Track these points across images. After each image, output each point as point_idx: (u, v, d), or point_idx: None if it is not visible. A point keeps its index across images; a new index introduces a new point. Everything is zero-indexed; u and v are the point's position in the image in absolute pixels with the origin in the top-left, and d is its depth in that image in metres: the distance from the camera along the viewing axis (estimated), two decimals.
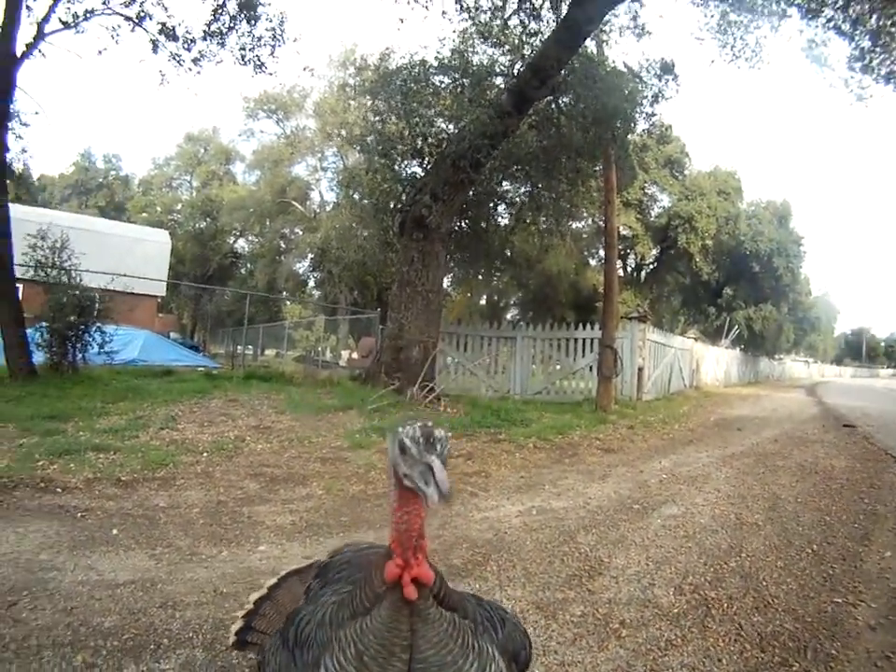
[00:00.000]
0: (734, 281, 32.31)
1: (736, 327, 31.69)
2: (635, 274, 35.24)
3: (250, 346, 24.25)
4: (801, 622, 3.12)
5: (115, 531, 4.13)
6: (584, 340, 13.38)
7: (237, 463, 6.17)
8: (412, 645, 1.16)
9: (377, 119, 12.26)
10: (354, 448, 7.02)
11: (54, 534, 4.00)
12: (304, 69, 35.73)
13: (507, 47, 12.30)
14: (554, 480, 6.25)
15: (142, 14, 11.31)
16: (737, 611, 3.22)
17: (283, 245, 39.03)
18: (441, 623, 1.19)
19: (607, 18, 11.59)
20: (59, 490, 4.91)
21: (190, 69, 11.86)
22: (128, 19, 11.28)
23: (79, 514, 4.41)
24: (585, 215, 23.16)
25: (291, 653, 1.29)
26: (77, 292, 10.47)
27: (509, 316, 33.56)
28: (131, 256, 24.08)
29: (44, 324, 10.11)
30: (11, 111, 10.12)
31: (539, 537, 4.35)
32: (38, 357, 10.15)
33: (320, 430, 7.83)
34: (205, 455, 6.33)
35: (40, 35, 10.25)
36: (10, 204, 10.17)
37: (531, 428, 8.92)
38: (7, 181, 10.61)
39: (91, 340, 10.60)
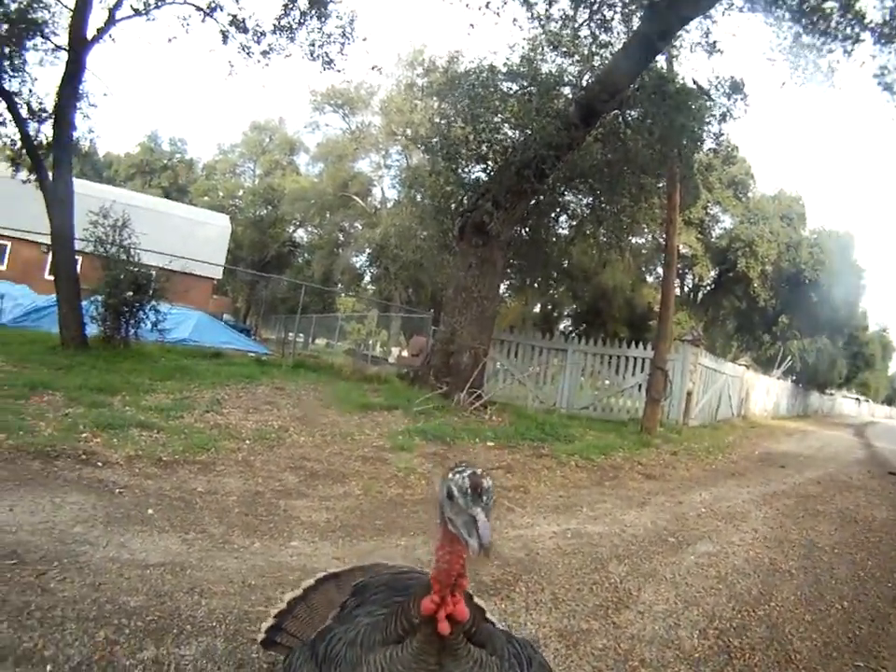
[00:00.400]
0: (790, 310, 31.46)
1: (790, 357, 30.89)
2: (691, 295, 34.61)
3: (301, 335, 24.49)
4: None
5: (150, 511, 4.19)
6: (636, 358, 13.15)
7: (278, 454, 6.21)
8: None
9: (443, 121, 12.20)
10: (396, 449, 7.01)
11: (90, 508, 4.07)
12: (373, 68, 35.81)
13: (576, 57, 12.17)
14: (593, 502, 6.16)
15: (213, 5, 11.51)
16: (758, 663, 3.12)
17: (341, 238, 39.31)
18: (468, 661, 1.20)
19: (678, 33, 11.39)
20: (100, 464, 4.99)
21: (259, 61, 11.99)
22: (199, 9, 11.51)
23: (117, 490, 4.48)
24: (646, 231, 22.82)
25: (318, 668, 1.31)
26: (135, 269, 10.71)
27: (561, 327, 33.19)
28: (190, 237, 24.52)
29: (99, 298, 10.33)
30: (80, 92, 10.39)
31: (571, 561, 4.29)
32: (91, 330, 10.39)
33: (364, 428, 7.85)
34: (247, 442, 6.38)
35: (111, 21, 10.49)
36: (74, 180, 10.43)
37: (574, 445, 8.78)
38: (73, 157, 10.88)
39: (144, 317, 10.80)
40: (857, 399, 53.80)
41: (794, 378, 32.49)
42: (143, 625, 2.71)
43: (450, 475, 1.21)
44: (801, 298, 30.24)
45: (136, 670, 2.41)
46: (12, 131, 10.50)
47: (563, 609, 3.48)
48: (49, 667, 2.34)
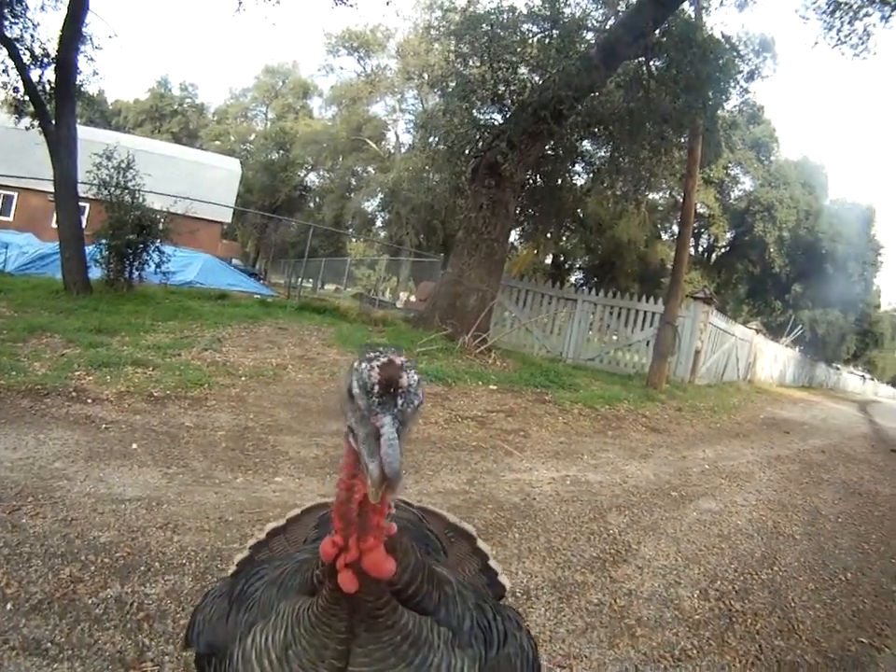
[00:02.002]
0: (804, 279, 31.25)
1: (800, 326, 30.58)
2: (705, 255, 34.37)
3: (310, 279, 24.36)
4: (822, 656, 2.84)
5: (134, 445, 4.11)
6: (645, 313, 12.91)
7: (273, 390, 6.13)
8: (350, 653, 0.84)
9: (459, 60, 11.84)
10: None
11: (73, 443, 4.00)
12: (387, 3, 35.36)
13: (601, 1, 11.75)
14: (594, 451, 6.06)
15: None
16: (760, 630, 2.97)
17: (353, 183, 39.11)
18: (393, 633, 0.85)
19: None
20: (89, 401, 4.91)
21: None
22: None
23: (104, 426, 4.40)
24: (664, 186, 22.46)
25: (229, 606, 1.03)
26: (139, 212, 10.46)
27: (572, 279, 32.94)
28: (199, 181, 24.47)
29: (103, 241, 10.12)
30: (84, 34, 10.08)
31: (568, 509, 4.18)
32: (95, 274, 10.22)
33: None
34: (243, 379, 6.31)
35: None
36: (81, 126, 10.18)
37: (578, 394, 8.70)
38: (78, 102, 10.59)
39: (148, 259, 10.61)
40: (862, 376, 53.40)
41: (802, 348, 32.25)
42: (110, 562, 2.65)
43: (356, 363, 0.81)
44: (816, 268, 30.01)
45: (98, 609, 2.33)
46: (15, 78, 10.18)
47: (557, 559, 3.36)
48: (9, 606, 2.28)
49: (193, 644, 1.09)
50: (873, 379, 56.03)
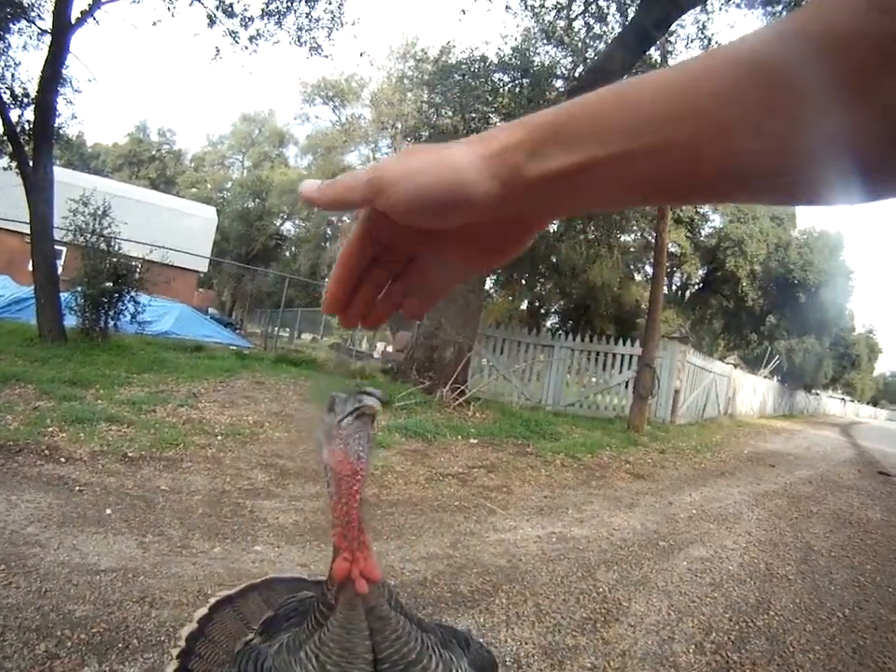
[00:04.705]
0: (778, 310, 31.51)
1: (777, 357, 30.91)
2: (679, 293, 34.61)
3: (287, 329, 24.28)
4: None
5: (109, 511, 3.97)
6: (623, 356, 12.97)
7: (250, 450, 5.98)
8: (374, 645, 0.98)
9: (432, 110, 12.02)
10: (374, 447, 6.77)
11: (47, 506, 3.85)
12: (361, 54, 36.09)
13: (570, 49, 12.01)
14: (579, 504, 5.97)
15: None
16: None
17: (329, 232, 39.23)
18: (396, 621, 1.01)
19: (673, 28, 11.44)
20: (62, 460, 4.77)
21: (247, 47, 11.68)
22: None
23: (77, 488, 4.27)
24: (635, 228, 22.75)
25: None
26: (115, 260, 10.40)
27: (548, 324, 33.05)
28: (175, 229, 24.39)
29: (79, 288, 10.03)
30: (63, 77, 10.10)
31: (556, 568, 4.08)
32: (70, 321, 10.09)
33: None
34: (219, 438, 6.16)
35: (96, 3, 10.05)
36: (59, 169, 10.12)
37: (560, 443, 8.65)
38: (56, 144, 10.57)
39: (124, 308, 10.51)
40: (842, 399, 54.08)
41: (781, 378, 32.60)
42: (87, 638, 2.52)
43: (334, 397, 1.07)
44: (789, 298, 30.29)
45: None
46: None
47: (547, 623, 3.26)
48: None
49: None
50: (853, 401, 56.85)
